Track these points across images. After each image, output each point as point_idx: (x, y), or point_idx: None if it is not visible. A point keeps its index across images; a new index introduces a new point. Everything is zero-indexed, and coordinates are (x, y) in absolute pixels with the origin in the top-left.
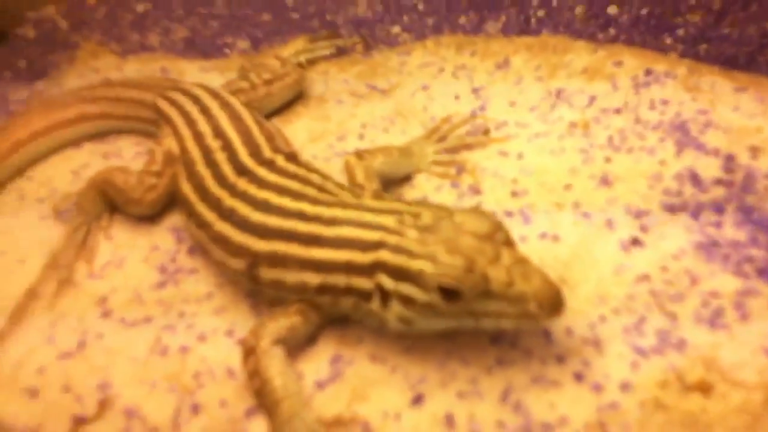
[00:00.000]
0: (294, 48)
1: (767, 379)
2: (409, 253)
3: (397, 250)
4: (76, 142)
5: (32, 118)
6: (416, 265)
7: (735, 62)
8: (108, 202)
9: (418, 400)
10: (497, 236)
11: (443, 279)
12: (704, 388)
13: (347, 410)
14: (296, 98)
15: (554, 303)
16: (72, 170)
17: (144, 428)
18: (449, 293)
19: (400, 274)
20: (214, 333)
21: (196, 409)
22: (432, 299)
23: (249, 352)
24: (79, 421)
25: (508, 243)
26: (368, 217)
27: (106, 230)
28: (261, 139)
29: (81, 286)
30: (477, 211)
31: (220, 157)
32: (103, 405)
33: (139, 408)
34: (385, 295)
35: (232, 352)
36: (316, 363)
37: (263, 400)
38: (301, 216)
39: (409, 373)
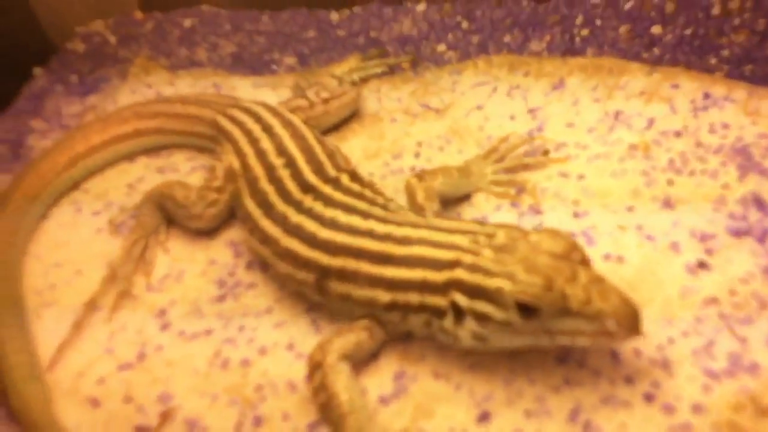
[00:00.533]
0: (347, 66)
1: None
2: (486, 272)
3: (474, 268)
4: (130, 157)
5: (90, 132)
6: (494, 283)
7: None
8: (165, 215)
9: (484, 417)
10: (573, 255)
11: (522, 296)
12: None
13: (413, 426)
14: (351, 116)
15: (633, 321)
16: (127, 184)
17: None
18: (527, 311)
19: (476, 292)
20: (275, 347)
21: (258, 421)
22: (509, 317)
23: (316, 366)
24: (141, 431)
25: (584, 262)
26: (440, 236)
27: (163, 244)
28: (323, 157)
29: (140, 299)
30: (552, 231)
31: (284, 174)
32: (165, 416)
33: (200, 419)
34: (458, 313)
35: (293, 366)
36: (380, 379)
37: (329, 414)
38: (371, 234)
39: (474, 390)
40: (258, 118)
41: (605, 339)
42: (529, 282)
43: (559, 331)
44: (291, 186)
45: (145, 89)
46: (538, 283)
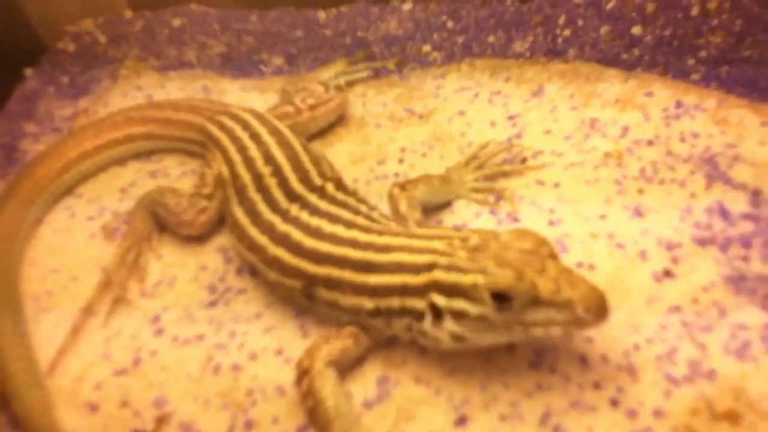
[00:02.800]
0: (334, 70)
1: None
2: (461, 270)
3: (449, 268)
4: (121, 161)
5: (83, 138)
6: (469, 279)
7: (755, 85)
8: (157, 222)
9: (462, 421)
10: (542, 251)
11: (494, 286)
12: (733, 418)
13: (395, 429)
14: (337, 121)
15: (600, 307)
16: (120, 188)
17: None
18: (501, 301)
19: (453, 290)
20: (265, 352)
21: (249, 425)
22: (484, 310)
23: (304, 373)
24: None
25: (553, 256)
26: (419, 242)
27: (156, 250)
28: (309, 165)
29: (134, 305)
30: (521, 230)
31: (271, 182)
32: (161, 420)
33: (194, 423)
34: (437, 314)
35: (282, 371)
36: (364, 383)
37: (316, 418)
38: (354, 244)
39: (452, 395)
40: (246, 126)
41: (576, 326)
42: (501, 273)
43: (532, 322)
44: (278, 195)
45: (135, 92)
46: (509, 274)
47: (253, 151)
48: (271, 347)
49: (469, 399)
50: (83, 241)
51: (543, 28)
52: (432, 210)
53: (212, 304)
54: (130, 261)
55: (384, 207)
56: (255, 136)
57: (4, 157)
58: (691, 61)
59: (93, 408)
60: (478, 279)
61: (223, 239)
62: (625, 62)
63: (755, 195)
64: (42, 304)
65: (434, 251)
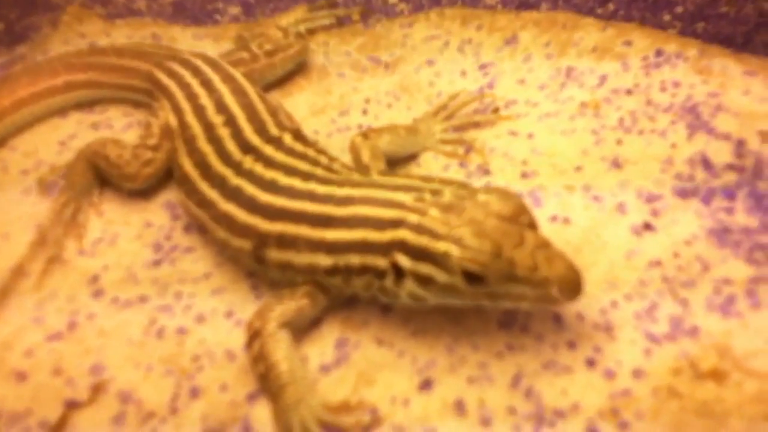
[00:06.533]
0: (294, 17)
1: None
2: (433, 234)
3: (419, 229)
4: (62, 112)
5: (17, 85)
6: (441, 247)
7: (732, 41)
8: (98, 175)
9: (426, 385)
10: (522, 218)
11: (470, 265)
12: (718, 377)
13: (354, 395)
14: (296, 70)
15: (575, 288)
16: (59, 141)
17: (140, 412)
18: (473, 277)
19: (421, 254)
20: (213, 314)
21: (195, 392)
22: (453, 281)
23: (254, 335)
24: (71, 405)
25: (532, 225)
26: (383, 194)
27: (96, 206)
28: (265, 115)
29: (70, 264)
30: (501, 191)
31: (224, 133)
32: (97, 389)
33: (134, 392)
34: (399, 273)
35: (232, 334)
36: (321, 347)
37: (268, 384)
38: (312, 196)
39: (416, 357)
40: (197, 72)
41: (547, 304)
42: (478, 248)
43: (503, 295)
44: (231, 146)
45: (78, 39)
46: (486, 249)
47: (204, 99)
48: (220, 309)
49: (435, 361)
50: (16, 197)
51: None
52: (398, 162)
53: (157, 263)
54: (67, 217)
55: (346, 160)
56: (206, 83)
57: None
58: (667, 17)
59: (21, 376)
60: (452, 249)
61: (170, 194)
62: (600, 17)
63: (739, 145)
64: None
65: (401, 206)
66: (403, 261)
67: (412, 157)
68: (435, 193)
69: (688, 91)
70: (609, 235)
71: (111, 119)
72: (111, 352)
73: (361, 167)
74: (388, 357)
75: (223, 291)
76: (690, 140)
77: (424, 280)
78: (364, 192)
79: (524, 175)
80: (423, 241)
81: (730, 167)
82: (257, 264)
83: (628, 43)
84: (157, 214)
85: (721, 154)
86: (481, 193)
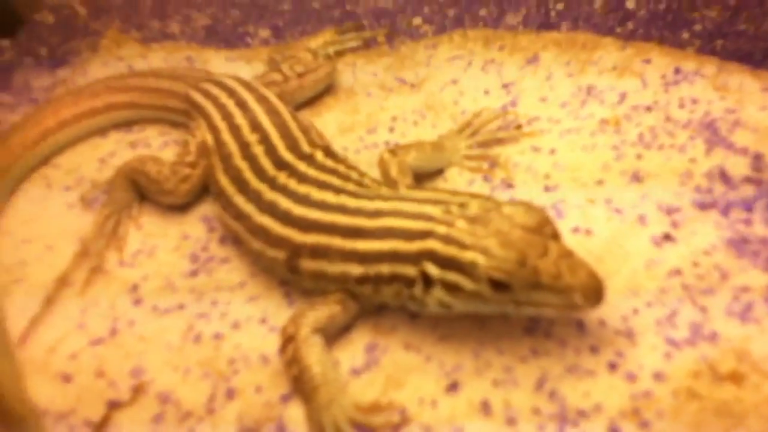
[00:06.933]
0: (322, 39)
1: None
2: (460, 244)
3: (448, 240)
4: (102, 131)
5: (61, 106)
6: (468, 256)
7: (751, 58)
8: (138, 191)
9: (453, 387)
10: (545, 230)
11: (495, 272)
12: (736, 379)
13: (383, 396)
14: (326, 90)
15: (597, 295)
16: (99, 158)
17: (178, 412)
18: (499, 284)
19: (449, 263)
20: (248, 321)
21: (231, 394)
22: (480, 289)
23: (288, 340)
24: (113, 406)
25: (555, 236)
26: (412, 207)
27: (136, 219)
28: (298, 133)
29: (112, 274)
30: (525, 204)
31: (258, 150)
32: (137, 390)
33: (173, 393)
34: (428, 282)
35: (267, 340)
36: (352, 351)
37: (301, 386)
38: (343, 210)
39: (443, 361)
40: (232, 93)
41: (570, 311)
42: (504, 257)
43: (527, 302)
44: (265, 162)
45: (116, 62)
46: (512, 258)
47: (239, 119)
48: (254, 316)
49: (461, 365)
50: (60, 211)
51: (536, 1)
52: (424, 177)
53: (194, 273)
54: (108, 230)
55: (375, 175)
56: (241, 104)
57: None
58: (686, 35)
59: (66, 378)
60: (479, 259)
61: (206, 209)
62: (619, 36)
63: (757, 159)
64: (14, 275)
65: (430, 218)
66: (432, 270)
67: (438, 173)
68: (462, 206)
69: (706, 108)
70: (630, 246)
71: (149, 138)
72: (151, 356)
73: (389, 182)
74: (416, 361)
75: (258, 299)
76: (708, 155)
77: (452, 288)
78: (394, 205)
79: (547, 189)
80: (451, 250)
81: (748, 180)
82: (291, 273)
83: (647, 62)
84: (194, 227)
85: (739, 167)
86: (506, 206)
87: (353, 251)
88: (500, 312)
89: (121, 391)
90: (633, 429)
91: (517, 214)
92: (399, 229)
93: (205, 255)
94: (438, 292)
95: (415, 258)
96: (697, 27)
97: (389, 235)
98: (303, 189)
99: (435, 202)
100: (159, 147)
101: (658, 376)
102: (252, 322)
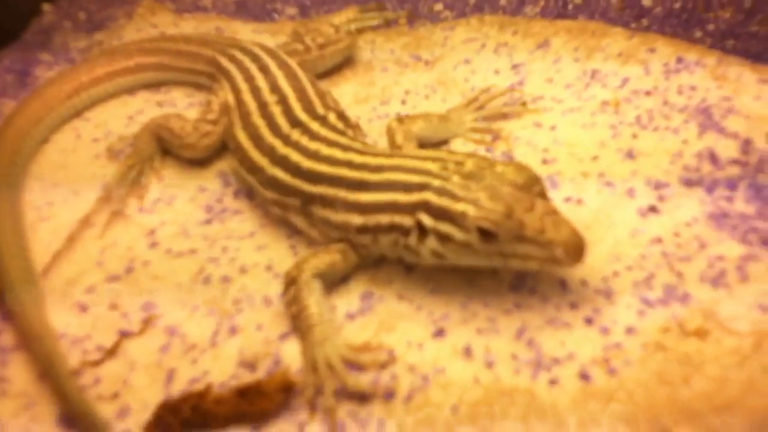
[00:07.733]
0: (345, 16)
1: (759, 329)
2: (453, 196)
3: (442, 192)
4: (131, 90)
5: (95, 65)
6: (459, 207)
7: (760, 58)
8: (161, 145)
9: (440, 333)
10: (534, 188)
11: (483, 222)
12: (701, 334)
13: (374, 338)
14: (344, 63)
15: (578, 251)
16: (127, 115)
17: (183, 344)
18: (486, 234)
19: (442, 214)
20: (255, 267)
21: (233, 330)
22: (469, 238)
23: (291, 282)
24: (125, 334)
25: (543, 195)
26: (412, 162)
27: (157, 171)
28: (314, 97)
29: (131, 219)
30: (517, 163)
31: (276, 110)
32: (147, 323)
33: (180, 327)
34: (422, 232)
35: (271, 285)
36: (348, 298)
37: (299, 324)
38: (349, 164)
39: (433, 311)
40: (255, 58)
41: (552, 264)
42: (492, 209)
43: (513, 255)
44: (281, 121)
45: (150, 29)
46: (499, 210)
47: (261, 81)
48: (261, 263)
49: (449, 315)
50: (87, 160)
51: None
52: (429, 147)
53: (208, 222)
54: (131, 179)
55: (384, 143)
56: (263, 68)
57: (17, 81)
58: (698, 33)
59: (83, 308)
60: (469, 209)
61: (223, 165)
62: (635, 30)
63: (746, 143)
64: (41, 214)
65: (428, 172)
66: (426, 220)
67: (442, 143)
68: (458, 163)
69: (703, 95)
70: (617, 216)
71: (175, 99)
72: (162, 293)
73: (394, 147)
74: (408, 310)
75: (265, 248)
76: (700, 137)
77: (444, 238)
78: (396, 161)
79: (545, 161)
80: (444, 202)
81: (735, 162)
82: (304, 217)
83: (652, 50)
84: (211, 181)
85: (728, 150)
86: (499, 165)
87: (356, 202)
88: (488, 265)
89: (133, 322)
90: (601, 374)
91: (509, 172)
92: (399, 182)
93: (219, 206)
94: (431, 242)
95: (412, 209)
96: (710, 26)
97: (390, 187)
98: (313, 145)
99: (434, 160)
100: (184, 107)
101: (630, 331)
102: (258, 268)
